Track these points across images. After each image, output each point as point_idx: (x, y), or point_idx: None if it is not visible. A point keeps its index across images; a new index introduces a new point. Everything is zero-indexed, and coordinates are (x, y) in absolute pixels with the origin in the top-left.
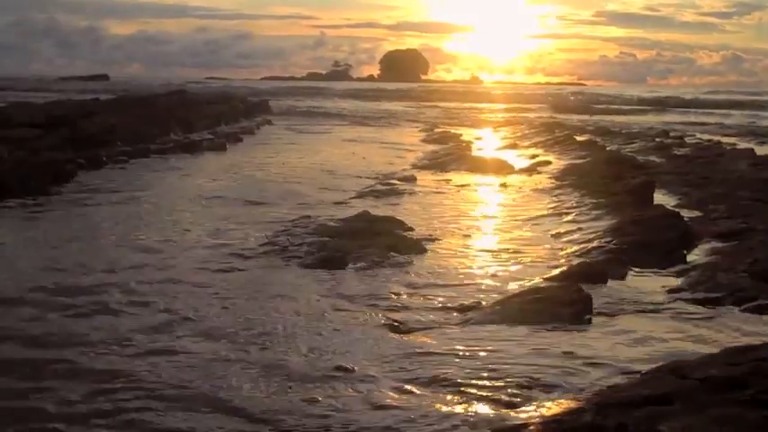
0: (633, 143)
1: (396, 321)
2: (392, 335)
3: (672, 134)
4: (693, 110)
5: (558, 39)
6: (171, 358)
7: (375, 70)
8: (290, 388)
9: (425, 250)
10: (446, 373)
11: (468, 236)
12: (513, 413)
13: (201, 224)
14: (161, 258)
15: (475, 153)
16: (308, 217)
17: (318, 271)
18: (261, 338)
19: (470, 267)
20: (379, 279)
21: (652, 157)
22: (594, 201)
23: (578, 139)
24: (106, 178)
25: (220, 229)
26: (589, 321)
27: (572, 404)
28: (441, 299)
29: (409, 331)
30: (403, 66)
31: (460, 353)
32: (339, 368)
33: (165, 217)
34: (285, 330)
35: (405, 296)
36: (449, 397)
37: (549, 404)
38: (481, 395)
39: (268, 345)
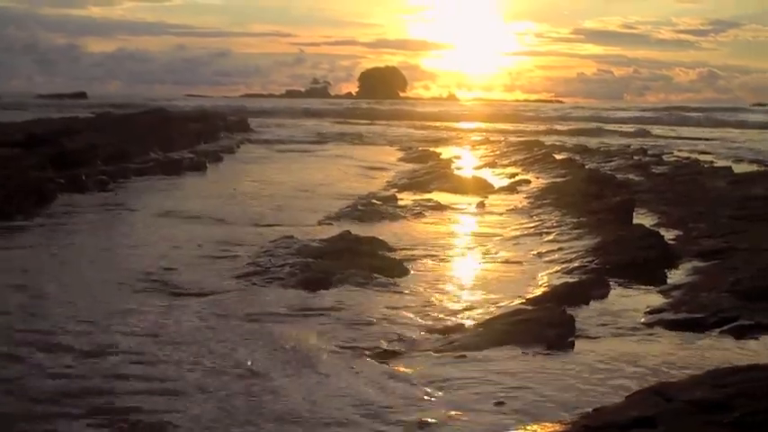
0: (612, 161)
1: (376, 348)
2: (371, 361)
3: (650, 152)
4: (670, 127)
5: (537, 56)
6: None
7: (354, 87)
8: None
9: (408, 271)
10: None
11: (451, 256)
12: None
13: (182, 247)
14: (143, 282)
15: (455, 172)
16: (290, 237)
17: (300, 292)
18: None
19: (453, 288)
20: (362, 301)
21: (631, 175)
22: (575, 220)
23: (557, 157)
24: (87, 201)
25: (202, 250)
26: (572, 344)
27: (558, 427)
28: (423, 321)
29: (392, 356)
30: (381, 83)
31: (443, 381)
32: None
33: (147, 238)
34: (250, 358)
35: (387, 319)
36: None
37: (535, 427)
38: (463, 419)
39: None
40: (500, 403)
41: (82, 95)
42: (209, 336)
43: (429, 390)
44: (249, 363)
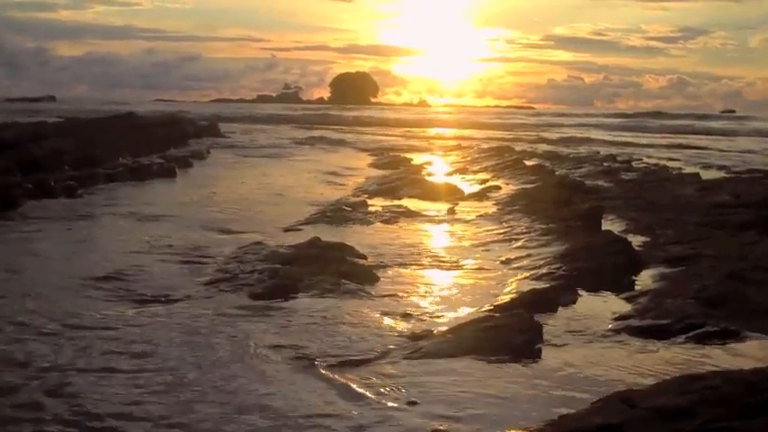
0: (581, 167)
1: (337, 356)
2: (323, 371)
3: (619, 158)
4: (639, 133)
5: (508, 62)
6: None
7: (325, 93)
8: None
9: (377, 278)
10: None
11: (420, 263)
12: None
13: (151, 252)
14: (105, 289)
15: (425, 178)
16: (259, 243)
17: (267, 302)
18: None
19: (422, 295)
20: (330, 308)
21: (600, 182)
22: (544, 226)
23: (527, 163)
24: (55, 207)
25: (170, 256)
26: (539, 351)
27: None
28: (392, 327)
29: (357, 364)
30: (353, 88)
31: (411, 391)
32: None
33: (113, 244)
34: (201, 370)
35: (356, 325)
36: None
37: None
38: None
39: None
40: (412, 403)
41: (51, 99)
42: (164, 340)
43: (378, 397)
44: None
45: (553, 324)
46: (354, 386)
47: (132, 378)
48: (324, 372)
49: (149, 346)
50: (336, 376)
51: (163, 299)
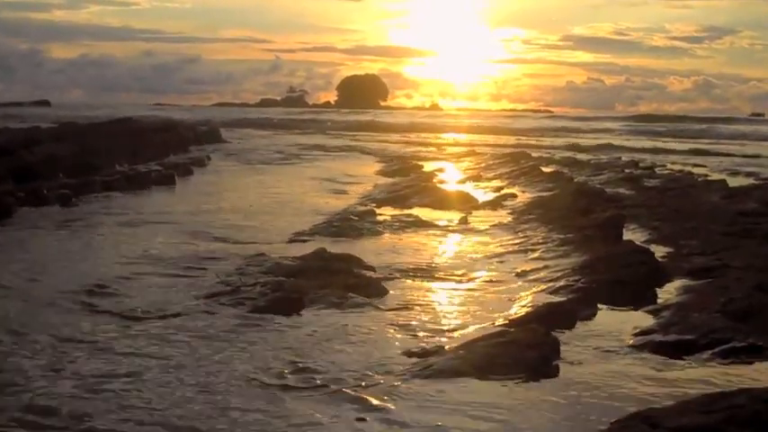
0: (601, 174)
1: (346, 376)
2: (335, 395)
3: (641, 164)
4: (664, 139)
5: (524, 64)
6: None
7: (332, 96)
8: None
9: (386, 291)
10: None
11: (431, 275)
12: None
13: (147, 264)
14: (94, 306)
15: (437, 186)
16: (262, 254)
17: (270, 316)
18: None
19: (432, 308)
20: (337, 323)
21: (621, 189)
22: (562, 236)
23: (544, 170)
24: (48, 217)
25: (168, 268)
26: (556, 368)
27: None
28: (401, 343)
29: (365, 383)
30: (361, 91)
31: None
32: None
33: (107, 256)
34: (196, 393)
35: (363, 342)
36: None
37: None
38: None
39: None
40: (422, 425)
41: (44, 104)
42: (156, 359)
43: (385, 416)
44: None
45: (571, 339)
46: (361, 407)
47: (116, 404)
48: (329, 393)
49: (137, 367)
50: (342, 397)
51: (157, 314)
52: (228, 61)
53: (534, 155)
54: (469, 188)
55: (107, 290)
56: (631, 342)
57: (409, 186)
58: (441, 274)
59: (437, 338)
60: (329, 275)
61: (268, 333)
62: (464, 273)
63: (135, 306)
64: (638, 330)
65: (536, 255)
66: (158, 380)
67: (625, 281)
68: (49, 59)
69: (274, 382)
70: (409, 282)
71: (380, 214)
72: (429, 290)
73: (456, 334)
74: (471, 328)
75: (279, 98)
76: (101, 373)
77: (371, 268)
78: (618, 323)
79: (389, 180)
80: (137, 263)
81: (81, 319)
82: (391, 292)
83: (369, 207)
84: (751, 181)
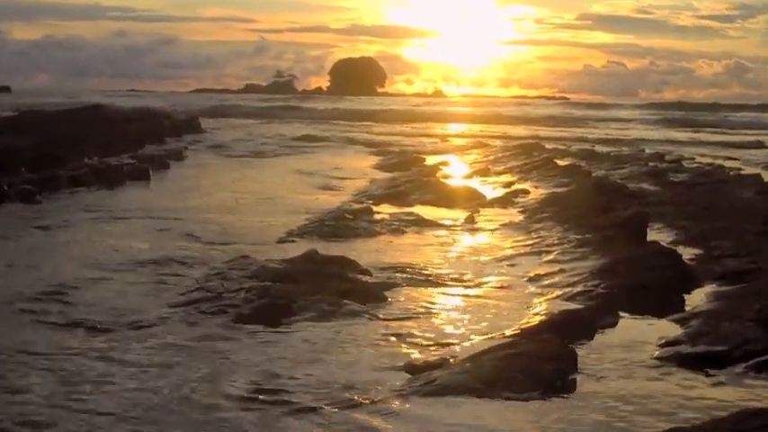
0: (623, 168)
1: (340, 393)
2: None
3: (667, 157)
4: (692, 129)
5: (537, 45)
6: None
7: (324, 82)
8: None
9: (384, 297)
10: None
11: (434, 279)
12: None
13: (117, 267)
14: (53, 315)
15: (440, 181)
16: (247, 257)
17: (255, 326)
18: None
19: (436, 317)
20: (329, 332)
21: (645, 185)
22: (579, 237)
23: (560, 163)
24: (7, 216)
25: (141, 274)
26: (573, 383)
27: None
28: (401, 356)
29: (360, 402)
30: (356, 76)
31: None
32: None
33: (72, 258)
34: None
35: (359, 354)
36: None
37: None
38: None
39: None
40: None
41: (4, 90)
42: (120, 378)
43: None
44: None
45: (589, 351)
46: (351, 430)
47: None
48: (320, 414)
49: (98, 385)
50: (335, 420)
51: (125, 324)
52: (209, 43)
53: (548, 146)
54: (476, 184)
55: (68, 296)
56: (656, 354)
57: (409, 182)
58: (444, 279)
59: (440, 350)
60: (321, 280)
61: (252, 345)
62: (470, 277)
63: (100, 316)
64: (663, 341)
65: (550, 257)
66: (119, 403)
67: (649, 286)
68: (8, 41)
69: (254, 404)
70: (410, 287)
71: (378, 212)
72: (431, 296)
73: (462, 345)
74: (478, 339)
75: (265, 84)
76: (52, 392)
77: (368, 272)
78: (641, 333)
79: (387, 175)
80: (105, 266)
81: (34, 330)
82: (389, 298)
83: (365, 204)
84: None
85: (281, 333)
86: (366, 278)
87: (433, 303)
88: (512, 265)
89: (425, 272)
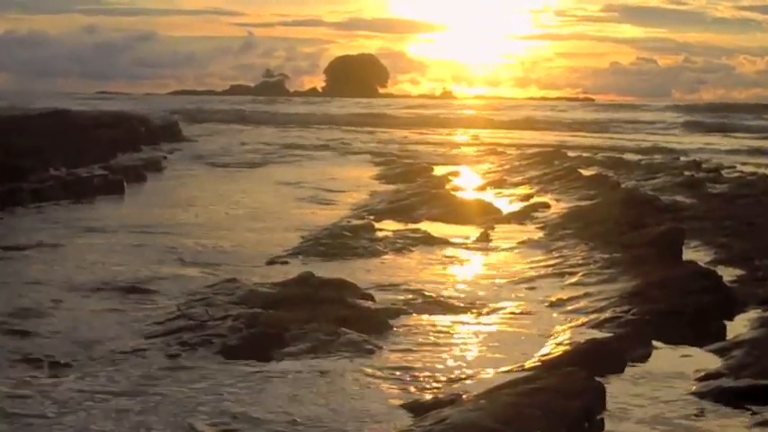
0: (655, 178)
1: None
2: None
3: (705, 166)
4: (732, 134)
5: (558, 40)
6: None
7: (319, 82)
8: None
9: (388, 326)
10: None
11: (443, 305)
12: None
13: (83, 292)
14: (22, 346)
15: (450, 193)
16: (234, 280)
17: (243, 362)
18: None
19: (446, 348)
20: (325, 366)
21: (680, 197)
22: (607, 256)
23: (584, 173)
24: None
25: (109, 298)
26: (601, 423)
27: None
28: (408, 392)
29: None
30: (355, 76)
31: None
32: None
33: (32, 282)
34: None
35: (360, 391)
36: None
37: None
38: None
39: None
40: None
41: None
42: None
43: None
44: None
45: (619, 386)
46: None
47: None
48: None
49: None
50: None
51: (93, 358)
52: (190, 39)
53: (571, 154)
54: (491, 196)
55: (27, 325)
56: (694, 389)
57: (416, 194)
58: (455, 305)
59: (451, 386)
60: (317, 306)
61: (239, 381)
62: (485, 303)
63: (63, 348)
64: (702, 374)
65: (574, 279)
66: None
67: (685, 312)
68: None
69: None
70: (416, 314)
71: (380, 229)
72: (441, 324)
73: (475, 380)
74: (494, 373)
75: (253, 84)
76: None
77: (369, 297)
78: (677, 365)
79: (391, 187)
80: (72, 290)
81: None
82: (394, 327)
83: (366, 220)
84: None
85: (271, 367)
86: (367, 304)
87: (442, 332)
88: (531, 289)
89: (434, 296)
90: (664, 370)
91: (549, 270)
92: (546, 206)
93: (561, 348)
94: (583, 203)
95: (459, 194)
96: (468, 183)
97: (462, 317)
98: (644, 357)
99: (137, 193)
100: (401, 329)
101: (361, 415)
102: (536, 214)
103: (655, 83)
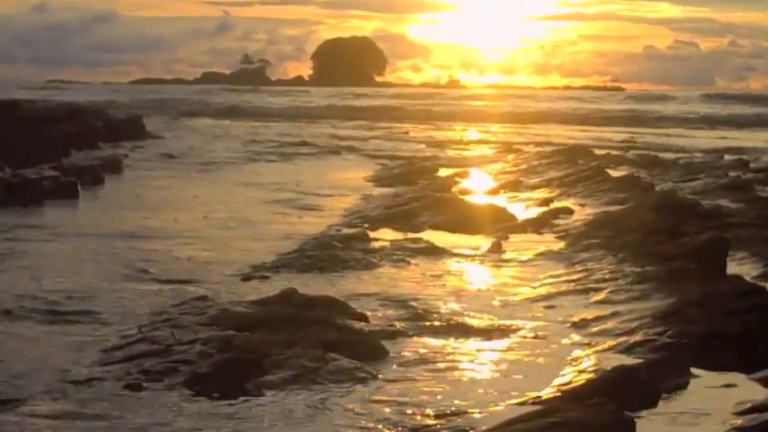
0: (695, 179)
1: None
2: None
3: (753, 165)
4: None
5: (583, 21)
6: None
7: (306, 69)
8: None
9: (384, 351)
10: None
11: (448, 326)
12: None
13: (33, 312)
14: None
15: (457, 197)
16: (204, 298)
17: (214, 400)
18: None
19: (451, 376)
20: (311, 398)
21: (724, 201)
22: (638, 270)
23: (613, 173)
24: None
25: (63, 318)
26: None
27: None
28: (407, 428)
29: None
30: (347, 62)
31: None
32: None
33: None
34: None
35: (351, 424)
36: None
37: None
38: None
39: None
40: None
41: None
42: None
43: None
44: None
45: (652, 421)
46: None
47: None
48: None
49: None
50: None
51: (39, 392)
52: (156, 20)
53: (597, 152)
54: (504, 201)
55: None
56: (738, 423)
57: (417, 199)
58: (462, 326)
59: (456, 420)
60: (301, 328)
61: (209, 417)
62: (496, 324)
63: (2, 379)
64: (747, 406)
65: (600, 297)
66: None
67: (729, 334)
68: None
69: None
70: (417, 337)
71: (375, 239)
72: (445, 349)
73: (484, 413)
74: (507, 405)
75: (229, 72)
76: None
77: (362, 317)
78: (718, 396)
79: (388, 190)
80: (15, 311)
81: None
82: (392, 352)
83: (359, 228)
84: None
85: (247, 400)
86: (360, 325)
87: (446, 358)
88: (550, 308)
89: (437, 316)
90: (703, 402)
91: (572, 286)
92: (568, 212)
93: (584, 376)
94: (611, 209)
95: (467, 199)
96: (477, 185)
97: (470, 340)
98: (680, 387)
99: (93, 198)
100: (399, 355)
101: None
102: (556, 221)
103: (695, 69)
